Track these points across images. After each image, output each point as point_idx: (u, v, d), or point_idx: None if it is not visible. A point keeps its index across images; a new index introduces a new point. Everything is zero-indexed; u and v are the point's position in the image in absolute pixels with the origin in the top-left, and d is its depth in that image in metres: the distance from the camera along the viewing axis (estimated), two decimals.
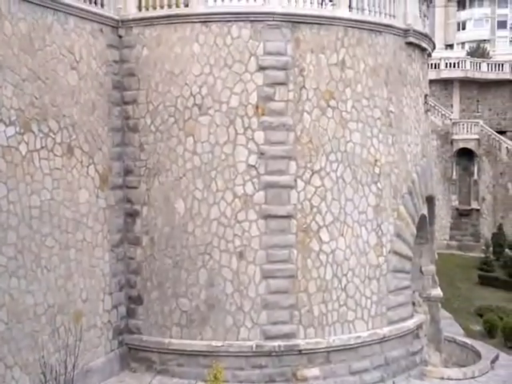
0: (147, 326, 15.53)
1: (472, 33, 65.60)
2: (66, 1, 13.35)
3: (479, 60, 49.85)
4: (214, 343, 14.78)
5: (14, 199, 11.66)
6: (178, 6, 15.27)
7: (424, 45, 18.23)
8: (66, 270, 13.14)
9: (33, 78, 12.36)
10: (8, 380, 11.39)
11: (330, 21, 15.58)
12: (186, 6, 15.17)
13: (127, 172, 15.57)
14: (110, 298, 14.85)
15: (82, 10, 13.93)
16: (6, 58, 11.68)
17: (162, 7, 15.38)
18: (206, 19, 14.94)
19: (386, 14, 16.73)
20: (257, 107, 14.95)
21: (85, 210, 13.88)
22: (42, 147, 12.53)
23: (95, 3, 14.57)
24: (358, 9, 16.26)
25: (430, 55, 19.67)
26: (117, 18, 15.18)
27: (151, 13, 15.38)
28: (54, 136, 12.92)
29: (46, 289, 12.46)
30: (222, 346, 14.73)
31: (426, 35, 18.25)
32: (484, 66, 48.94)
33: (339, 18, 15.67)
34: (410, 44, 17.25)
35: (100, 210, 14.49)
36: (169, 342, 15.17)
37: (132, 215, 15.60)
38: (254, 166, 14.91)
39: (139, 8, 15.53)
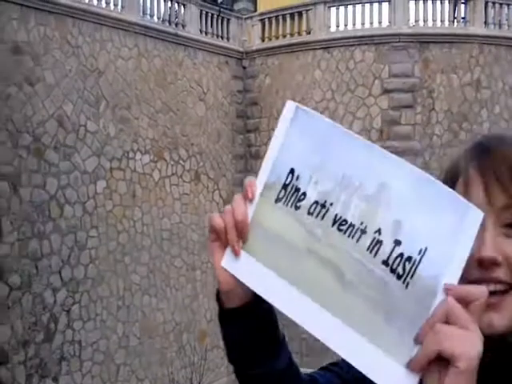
0: None
1: None
2: (196, 37, 15.83)
3: None
4: None
5: (147, 222, 14.04)
6: (300, 34, 17.09)
7: None
8: (192, 290, 15.23)
9: (165, 110, 14.83)
10: None
11: (463, 38, 16.08)
12: (308, 33, 16.91)
13: None
14: None
15: (210, 44, 16.33)
16: (143, 92, 14.25)
17: (284, 36, 17.31)
18: (328, 45, 16.44)
19: None
20: (381, 131, 15.96)
21: None
22: (173, 174, 14.92)
23: (222, 37, 16.95)
24: (494, 24, 16.61)
25: None
26: (241, 50, 17.40)
27: (274, 43, 17.33)
28: (183, 163, 15.28)
29: (173, 307, 14.59)
30: None
31: None
32: None
33: (474, 35, 16.12)
34: None
35: None
36: None
37: None
38: None
39: (262, 39, 17.62)
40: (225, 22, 17.15)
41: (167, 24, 15.29)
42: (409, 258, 0.75)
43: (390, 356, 0.74)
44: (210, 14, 16.69)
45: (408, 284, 0.74)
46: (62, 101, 12.53)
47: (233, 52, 17.17)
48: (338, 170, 0.80)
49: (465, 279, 0.73)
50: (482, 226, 0.77)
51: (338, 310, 0.77)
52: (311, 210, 0.80)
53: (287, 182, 0.82)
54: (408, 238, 0.75)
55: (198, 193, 15.76)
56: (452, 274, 0.73)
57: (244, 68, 17.51)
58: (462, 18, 16.84)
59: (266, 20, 17.56)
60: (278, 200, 0.82)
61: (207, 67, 16.25)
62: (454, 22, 16.79)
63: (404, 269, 0.74)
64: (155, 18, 15.17)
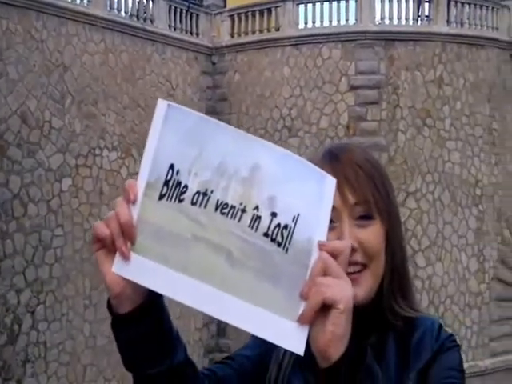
0: (237, 346, 16.41)
1: None
2: (164, 32, 14.94)
3: None
4: None
5: None
6: (269, 30, 16.37)
7: None
8: None
9: (133, 106, 13.95)
10: None
11: (427, 36, 15.79)
12: (277, 30, 16.21)
13: None
14: (201, 315, 16.00)
15: (178, 40, 15.46)
16: (110, 87, 13.35)
17: (253, 33, 16.56)
18: (297, 42, 15.84)
19: (487, 27, 16.59)
20: (348, 127, 15.50)
21: None
22: None
23: (191, 33, 16.08)
24: (456, 23, 16.32)
25: None
26: (210, 45, 16.58)
27: (243, 39, 16.60)
28: None
29: None
30: None
31: None
32: None
33: (437, 34, 15.83)
34: None
35: None
36: None
37: None
38: None
39: (232, 35, 16.83)
40: (194, 18, 16.30)
41: (135, 19, 14.42)
42: (285, 226, 0.81)
43: (281, 316, 0.79)
44: (178, 9, 15.83)
45: (288, 249, 0.81)
46: (26, 96, 11.65)
47: (202, 48, 16.35)
48: (214, 159, 0.81)
49: None
50: (340, 221, 1.01)
51: (229, 286, 0.78)
52: (194, 200, 0.81)
53: (168, 178, 0.82)
54: (282, 208, 0.81)
55: None
56: (321, 233, 0.82)
57: (213, 64, 16.74)
58: (426, 17, 16.54)
59: (236, 16, 16.81)
60: (161, 197, 0.81)
61: (176, 63, 15.40)
62: (418, 20, 16.45)
63: (282, 236, 0.81)
64: (123, 12, 14.29)
